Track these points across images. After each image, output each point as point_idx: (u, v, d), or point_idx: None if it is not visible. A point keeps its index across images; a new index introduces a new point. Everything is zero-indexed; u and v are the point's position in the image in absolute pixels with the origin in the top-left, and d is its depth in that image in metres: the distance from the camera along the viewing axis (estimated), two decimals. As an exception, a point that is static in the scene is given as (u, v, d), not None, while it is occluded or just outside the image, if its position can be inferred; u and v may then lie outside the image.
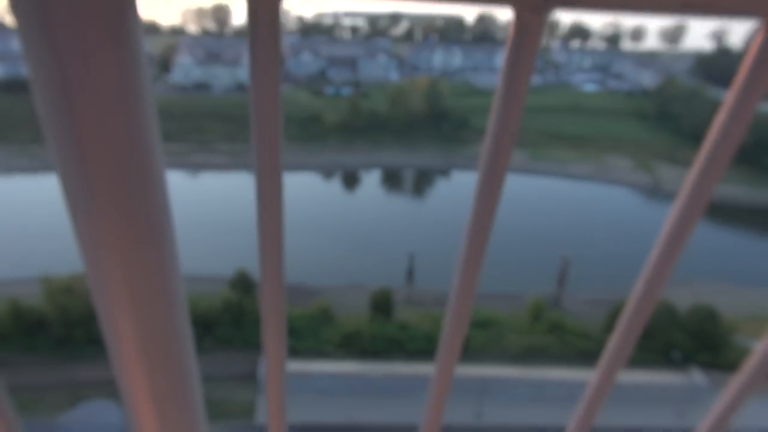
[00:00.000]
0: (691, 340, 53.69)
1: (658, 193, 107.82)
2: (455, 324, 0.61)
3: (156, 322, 0.73)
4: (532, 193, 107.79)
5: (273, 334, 0.75)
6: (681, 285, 71.86)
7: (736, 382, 0.87)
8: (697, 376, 49.46)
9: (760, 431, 42.50)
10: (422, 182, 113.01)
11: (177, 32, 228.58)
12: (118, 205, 0.63)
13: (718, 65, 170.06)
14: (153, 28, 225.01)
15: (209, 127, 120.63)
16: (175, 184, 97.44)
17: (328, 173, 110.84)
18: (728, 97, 0.85)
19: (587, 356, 52.55)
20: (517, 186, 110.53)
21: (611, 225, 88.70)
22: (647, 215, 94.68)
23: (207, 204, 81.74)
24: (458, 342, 0.61)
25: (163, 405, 0.84)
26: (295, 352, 51.10)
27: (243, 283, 55.14)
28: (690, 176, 0.91)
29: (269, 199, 0.78)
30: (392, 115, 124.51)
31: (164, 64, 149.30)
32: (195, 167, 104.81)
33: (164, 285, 0.71)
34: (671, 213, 0.87)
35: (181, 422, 0.88)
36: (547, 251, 73.38)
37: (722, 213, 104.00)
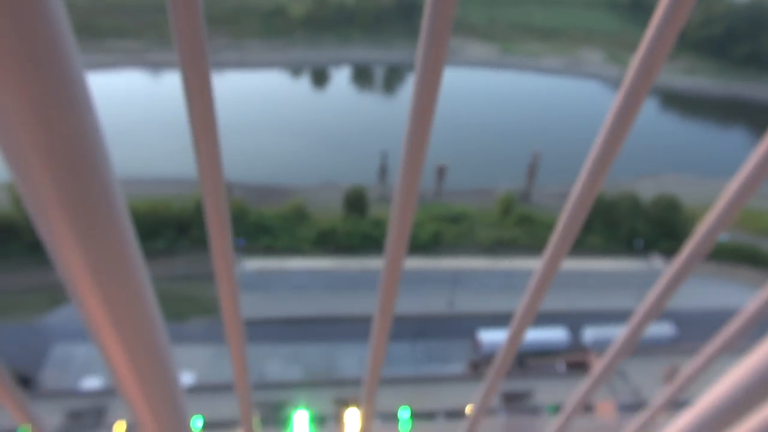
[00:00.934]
0: (653, 229, 56.08)
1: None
2: (402, 217, 0.57)
3: (105, 252, 0.68)
4: (504, 88, 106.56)
5: (218, 238, 0.71)
6: (646, 177, 73.86)
7: (675, 263, 0.92)
8: (656, 262, 52.16)
9: (716, 310, 45.63)
10: (393, 79, 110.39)
11: None
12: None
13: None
14: None
15: (167, 22, 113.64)
16: (137, 85, 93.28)
17: (295, 71, 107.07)
18: None
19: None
20: (488, 81, 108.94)
21: (582, 119, 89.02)
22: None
23: (172, 105, 78.92)
24: (404, 235, 0.57)
25: (125, 335, 0.83)
26: (272, 250, 51.97)
27: (215, 185, 54.75)
28: (633, 61, 0.88)
29: (198, 96, 0.67)
30: (360, 6, 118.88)
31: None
32: (155, 66, 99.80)
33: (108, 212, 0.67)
34: (615, 99, 0.84)
35: (146, 347, 0.93)
36: (518, 146, 73.89)
37: (689, 105, 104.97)
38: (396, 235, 0.65)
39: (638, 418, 1.33)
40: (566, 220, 0.78)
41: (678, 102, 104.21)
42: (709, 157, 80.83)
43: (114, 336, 0.77)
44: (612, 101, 0.75)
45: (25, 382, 35.15)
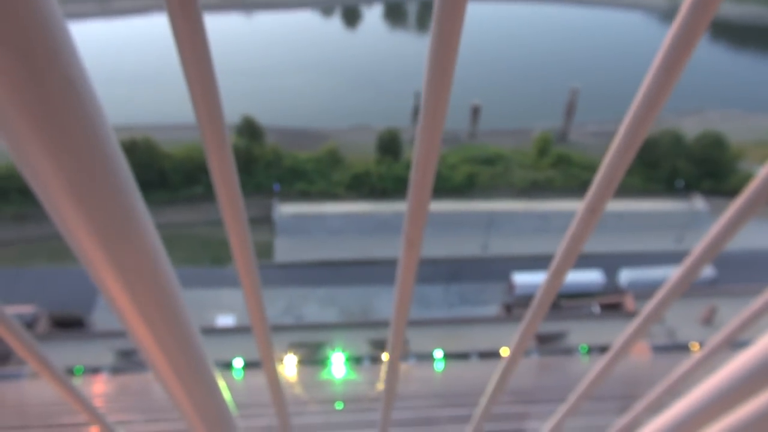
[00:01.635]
0: (696, 168, 54.28)
1: (675, 17, 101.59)
2: (425, 158, 0.54)
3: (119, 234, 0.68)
4: (541, 22, 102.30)
5: (222, 180, 0.63)
6: (690, 113, 71.00)
7: (735, 205, 0.86)
8: (698, 203, 50.81)
9: (754, 251, 44.54)
10: (427, 15, 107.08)
11: None
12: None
13: None
14: None
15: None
16: (158, 27, 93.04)
17: (326, 10, 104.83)
18: None
19: (592, 188, 53.58)
20: (525, 15, 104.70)
21: (624, 52, 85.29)
22: (661, 41, 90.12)
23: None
24: (429, 176, 0.55)
25: (147, 312, 0.80)
26: (306, 195, 52.50)
27: (250, 129, 55.05)
28: None
29: (188, 40, 0.61)
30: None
31: None
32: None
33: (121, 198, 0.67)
34: (669, 33, 0.77)
35: (171, 326, 0.90)
36: (556, 83, 71.49)
37: (740, 35, 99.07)
38: (420, 176, 0.62)
39: (686, 362, 1.30)
40: (611, 161, 0.74)
41: (728, 32, 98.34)
42: (758, 90, 76.85)
43: (121, 288, 0.74)
44: (656, 32, 0.67)
45: (78, 323, 37.06)
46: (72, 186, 0.56)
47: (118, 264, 0.69)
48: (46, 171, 0.54)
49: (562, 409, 1.47)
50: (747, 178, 52.14)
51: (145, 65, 75.34)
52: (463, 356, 29.63)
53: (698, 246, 0.95)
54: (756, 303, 1.13)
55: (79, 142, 0.53)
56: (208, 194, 50.81)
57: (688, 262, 0.96)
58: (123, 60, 77.65)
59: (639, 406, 1.50)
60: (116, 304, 0.75)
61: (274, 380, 1.08)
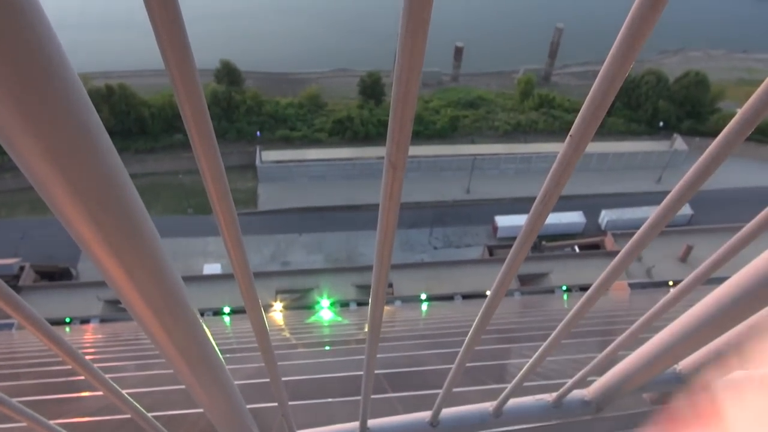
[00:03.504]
0: (677, 108, 54.40)
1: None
2: (408, 70, 0.52)
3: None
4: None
5: (194, 124, 0.61)
6: (672, 53, 70.58)
7: (713, 146, 0.86)
8: (678, 143, 51.20)
9: (727, 189, 45.31)
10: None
11: None
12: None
13: None
14: None
15: None
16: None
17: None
18: None
19: (574, 130, 53.55)
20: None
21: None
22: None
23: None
24: (413, 89, 0.52)
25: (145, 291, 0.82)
26: (288, 141, 51.91)
27: (229, 74, 53.75)
28: None
29: None
30: None
31: None
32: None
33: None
34: None
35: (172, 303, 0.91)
36: (540, 22, 70.16)
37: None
38: (402, 89, 0.59)
39: (669, 296, 1.34)
40: (592, 100, 0.73)
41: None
42: (742, 30, 76.28)
43: (106, 252, 0.73)
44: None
45: (66, 275, 37.02)
46: (45, 147, 0.55)
47: (98, 223, 0.68)
48: (18, 133, 0.53)
49: (544, 345, 1.52)
50: (727, 118, 52.55)
51: (116, 8, 72.40)
52: (447, 298, 30.24)
53: (677, 186, 0.96)
54: (731, 240, 1.16)
55: (50, 102, 0.52)
56: (189, 142, 50.03)
57: (666, 201, 0.97)
58: (93, 3, 74.49)
59: (618, 340, 1.56)
60: (98, 262, 0.75)
61: (260, 324, 1.10)
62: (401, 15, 0.55)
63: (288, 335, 14.86)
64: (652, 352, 1.64)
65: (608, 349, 1.61)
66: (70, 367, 1.00)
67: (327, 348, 11.57)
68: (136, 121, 49.55)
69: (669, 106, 53.90)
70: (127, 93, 48.90)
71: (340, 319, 22.17)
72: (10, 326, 23.34)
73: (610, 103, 0.70)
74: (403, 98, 0.65)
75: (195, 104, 0.61)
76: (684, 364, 1.86)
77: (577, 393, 1.92)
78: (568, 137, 0.76)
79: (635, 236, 1.04)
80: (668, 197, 0.95)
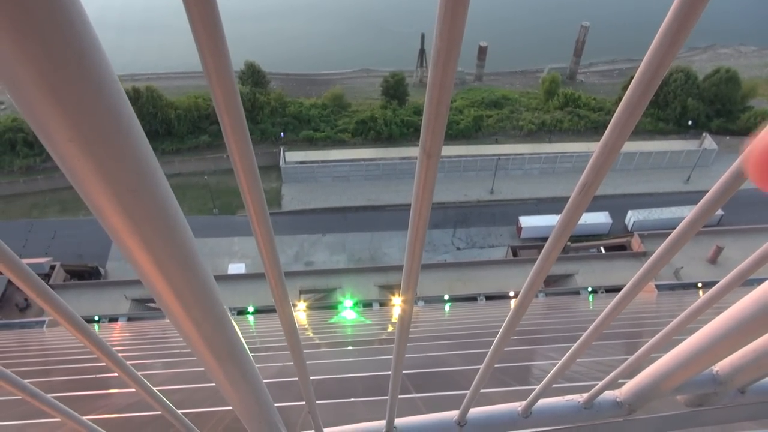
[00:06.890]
0: (706, 106, 53.24)
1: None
2: (445, 54, 0.51)
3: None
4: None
5: (230, 127, 0.61)
6: (702, 50, 69.13)
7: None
8: (708, 142, 50.11)
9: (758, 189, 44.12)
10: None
11: None
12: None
13: None
14: None
15: None
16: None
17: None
18: None
19: (599, 129, 52.92)
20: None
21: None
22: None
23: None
24: (451, 73, 0.52)
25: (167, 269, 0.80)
26: (312, 141, 52.20)
27: (254, 76, 54.26)
28: None
29: None
30: None
31: None
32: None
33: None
34: None
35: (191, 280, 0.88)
36: (565, 20, 69.32)
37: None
38: (440, 73, 0.58)
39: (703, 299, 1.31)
40: (629, 99, 0.71)
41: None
42: (774, 26, 74.13)
43: (139, 245, 0.74)
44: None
45: (95, 274, 37.77)
46: (80, 136, 0.56)
47: (131, 215, 0.68)
48: (53, 122, 0.53)
49: (575, 346, 1.50)
50: (758, 117, 51.26)
51: (136, 13, 73.66)
52: (470, 299, 30.07)
53: (714, 186, 0.94)
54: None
55: (85, 92, 0.52)
56: (214, 143, 50.61)
57: (703, 201, 0.96)
58: (112, 5, 75.85)
59: (652, 341, 1.53)
60: (130, 254, 0.75)
61: (290, 323, 1.10)
62: None
63: (311, 335, 14.93)
64: (688, 353, 1.61)
65: (642, 349, 1.58)
66: (99, 364, 1.01)
67: (350, 348, 11.59)
68: (163, 122, 50.34)
69: (698, 104, 52.79)
70: (154, 95, 49.72)
71: (363, 319, 22.20)
72: (41, 324, 23.88)
73: (658, 85, 0.69)
74: (440, 83, 0.62)
75: (231, 107, 0.62)
76: (721, 365, 1.82)
77: (608, 394, 1.89)
78: (614, 118, 0.74)
79: (670, 237, 1.01)
80: (704, 198, 0.93)
